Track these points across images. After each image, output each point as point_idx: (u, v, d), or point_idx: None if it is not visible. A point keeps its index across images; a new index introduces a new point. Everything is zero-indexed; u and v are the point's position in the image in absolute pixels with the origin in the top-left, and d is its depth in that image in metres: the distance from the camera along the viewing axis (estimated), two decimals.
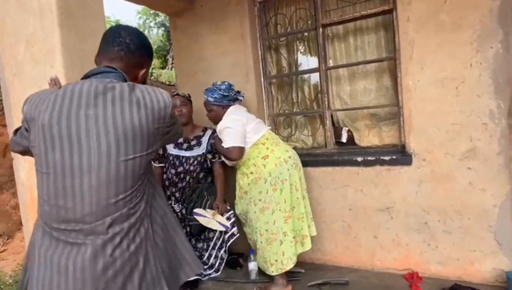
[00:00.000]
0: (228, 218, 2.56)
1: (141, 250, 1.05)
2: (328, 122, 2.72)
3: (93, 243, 0.97)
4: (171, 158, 2.63)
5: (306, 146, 2.95)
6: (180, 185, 2.64)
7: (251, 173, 2.27)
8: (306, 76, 2.95)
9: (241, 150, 2.24)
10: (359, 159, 2.48)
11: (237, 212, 2.49)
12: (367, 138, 2.73)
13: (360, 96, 2.72)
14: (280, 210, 2.22)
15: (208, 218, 2.48)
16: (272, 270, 2.23)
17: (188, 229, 2.59)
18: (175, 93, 2.66)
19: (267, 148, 2.28)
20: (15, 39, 1.74)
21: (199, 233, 2.61)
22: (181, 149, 2.67)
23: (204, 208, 2.61)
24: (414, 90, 2.25)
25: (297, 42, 2.93)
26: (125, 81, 1.09)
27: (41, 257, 1.01)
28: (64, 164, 0.97)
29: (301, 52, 2.92)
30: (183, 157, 2.65)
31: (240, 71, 2.85)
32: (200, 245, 2.65)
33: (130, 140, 1.00)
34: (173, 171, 2.63)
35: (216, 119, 2.44)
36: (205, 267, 2.59)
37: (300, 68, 2.93)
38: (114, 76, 1.08)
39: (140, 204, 1.06)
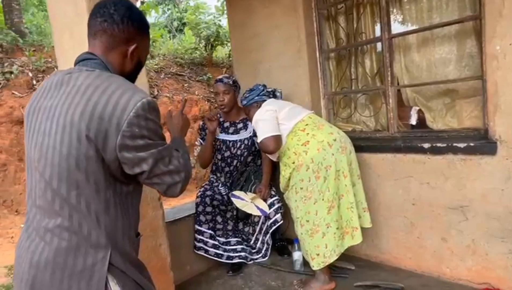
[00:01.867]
0: (272, 204, 2.44)
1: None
2: (391, 100, 2.32)
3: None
4: (217, 143, 2.60)
5: (368, 129, 2.59)
6: (227, 169, 2.61)
7: (293, 162, 2.08)
8: (367, 48, 2.55)
9: (276, 139, 2.07)
10: (426, 145, 2.05)
11: (286, 199, 2.35)
12: (443, 119, 2.25)
13: (435, 68, 2.23)
14: (323, 199, 2.00)
15: (246, 201, 2.39)
16: (313, 265, 2.05)
17: (234, 212, 2.56)
18: (218, 78, 2.59)
19: (307, 133, 2.06)
20: (61, 29, 1.86)
21: (246, 217, 2.56)
22: (227, 133, 2.61)
23: (249, 192, 2.54)
24: (503, 58, 1.71)
25: (357, 7, 2.53)
26: (106, 68, 0.99)
27: None
28: (29, 158, 0.97)
29: (361, 20, 2.52)
30: (230, 141, 2.59)
31: (291, 47, 2.61)
32: (247, 229, 2.61)
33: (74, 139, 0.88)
34: (219, 156, 2.61)
35: (251, 116, 2.31)
36: (252, 251, 2.55)
37: (361, 39, 2.54)
38: (93, 63, 0.98)
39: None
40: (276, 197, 2.45)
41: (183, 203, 3.07)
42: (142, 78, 1.85)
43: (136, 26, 1.03)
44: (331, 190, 2.00)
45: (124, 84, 0.93)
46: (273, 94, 2.39)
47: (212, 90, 5.42)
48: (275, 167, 2.55)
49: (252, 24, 2.87)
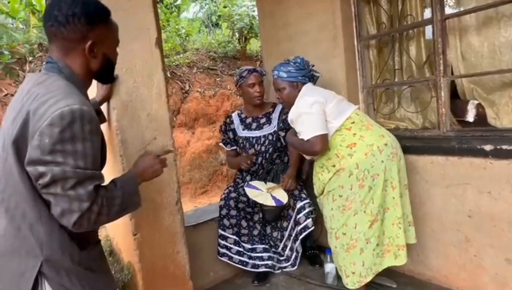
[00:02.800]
0: (302, 208, 2.21)
1: None
2: (443, 93, 1.98)
3: None
4: (240, 141, 2.42)
5: (413, 127, 2.26)
6: (253, 168, 2.42)
7: (333, 166, 1.82)
8: (414, 32, 2.20)
9: (324, 139, 1.78)
10: (488, 147, 1.71)
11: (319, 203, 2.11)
12: (509, 116, 1.88)
13: (499, 54, 1.86)
14: (365, 212, 1.75)
15: (261, 191, 2.19)
16: (348, 283, 1.80)
17: (261, 215, 2.37)
18: (252, 68, 2.39)
19: (354, 134, 1.79)
20: None
21: (274, 219, 2.36)
22: (250, 129, 2.42)
23: (270, 182, 2.33)
24: None
25: None
26: (61, 72, 0.96)
27: None
28: None
29: (407, 0, 2.18)
30: (253, 138, 2.39)
31: (326, 35, 2.34)
32: (275, 234, 2.41)
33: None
34: (244, 154, 2.42)
35: (290, 101, 2.00)
36: (280, 258, 2.35)
37: (407, 23, 2.20)
38: (49, 67, 0.97)
39: None
40: (308, 201, 2.22)
41: (207, 204, 2.94)
42: (157, 71, 1.72)
43: (85, 21, 0.96)
44: (376, 202, 1.73)
45: (55, 91, 0.88)
46: (314, 71, 2.04)
47: None
48: (301, 161, 2.32)
49: (283, 12, 2.63)
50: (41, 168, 0.85)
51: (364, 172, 1.74)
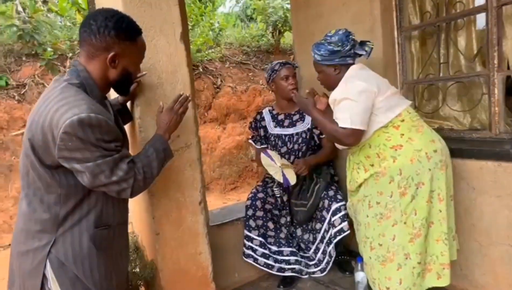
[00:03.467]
0: (338, 210, 2.06)
1: None
2: (497, 90, 1.75)
3: None
4: (272, 138, 2.32)
5: (460, 127, 2.04)
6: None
7: (371, 165, 1.67)
8: (463, 21, 1.97)
9: (361, 135, 1.62)
10: None
11: (348, 208, 1.98)
12: None
13: None
14: (405, 223, 1.59)
15: (274, 164, 2.11)
16: None
17: (289, 218, 2.27)
18: (284, 62, 2.28)
19: (402, 134, 1.61)
20: None
21: (305, 220, 2.24)
22: (282, 127, 2.31)
23: (313, 194, 2.20)
24: None
25: None
26: (79, 76, 1.09)
27: None
28: None
29: None
30: (285, 135, 2.29)
31: (362, 26, 2.16)
32: (306, 236, 2.30)
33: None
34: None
35: (328, 84, 1.80)
36: (310, 263, 2.24)
37: (455, 10, 1.98)
38: (71, 71, 1.09)
39: None
40: (343, 203, 2.08)
41: (236, 201, 2.89)
42: (182, 67, 1.66)
43: (113, 35, 1.09)
44: (420, 214, 1.57)
45: (65, 99, 1.01)
46: (358, 47, 1.75)
47: None
48: (330, 159, 2.20)
49: (316, 3, 2.48)
50: (76, 166, 1.02)
51: (408, 179, 1.57)
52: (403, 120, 1.65)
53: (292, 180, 2.08)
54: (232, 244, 2.22)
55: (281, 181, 2.08)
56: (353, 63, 1.75)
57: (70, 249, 1.08)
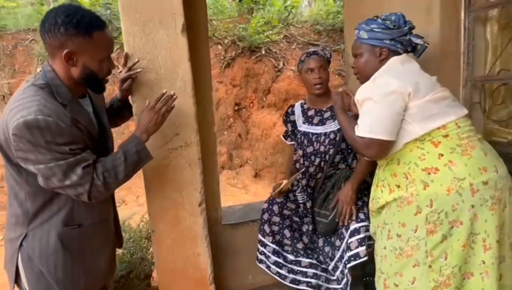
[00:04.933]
0: (356, 231, 1.78)
1: None
2: None
3: None
4: (298, 135, 2.09)
5: None
6: (310, 169, 2.08)
7: (397, 186, 1.35)
8: None
9: (385, 146, 1.30)
10: None
11: (370, 229, 1.68)
12: None
13: None
14: (430, 267, 1.27)
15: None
16: None
17: (310, 227, 2.05)
18: (312, 51, 1.99)
19: (441, 154, 1.25)
20: None
21: (326, 233, 2.01)
22: (311, 124, 2.05)
23: (335, 206, 1.94)
24: None
25: None
26: (46, 76, 1.10)
27: None
28: None
29: None
30: (313, 134, 2.03)
31: (417, 5, 1.72)
32: (327, 249, 2.06)
33: None
34: (300, 152, 2.09)
35: (365, 74, 1.44)
36: (331, 278, 2.01)
37: None
38: (40, 72, 1.12)
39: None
40: (365, 223, 1.77)
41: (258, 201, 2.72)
42: (183, 62, 1.55)
43: (63, 31, 1.04)
44: (451, 259, 1.24)
45: (18, 101, 1.03)
46: (411, 47, 1.43)
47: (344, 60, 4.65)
48: (371, 171, 1.84)
49: None
50: (30, 167, 1.04)
51: (440, 214, 1.23)
52: (446, 135, 1.26)
53: (278, 193, 1.96)
54: (247, 245, 2.13)
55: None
56: (400, 54, 1.40)
57: (37, 245, 1.13)
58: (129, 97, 1.56)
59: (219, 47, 4.59)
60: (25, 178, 1.10)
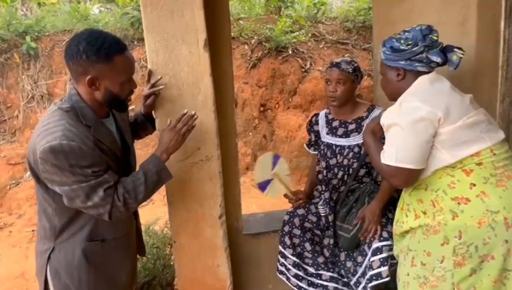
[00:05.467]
0: (378, 250, 1.73)
1: None
2: None
3: None
4: (322, 146, 2.04)
5: None
6: (333, 181, 2.04)
7: (423, 212, 1.29)
8: None
9: (414, 175, 1.24)
10: None
11: (394, 249, 1.63)
12: None
13: None
14: None
15: (270, 170, 1.94)
16: None
17: (331, 241, 2.02)
18: (335, 62, 1.93)
19: (473, 184, 1.18)
20: None
21: (347, 248, 1.97)
22: (335, 135, 2.00)
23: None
24: None
25: None
26: (71, 100, 1.15)
27: None
28: None
29: None
30: (336, 146, 1.98)
31: (451, 14, 1.62)
32: (349, 264, 2.01)
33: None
34: (323, 163, 2.05)
35: (388, 93, 1.44)
36: None
37: None
38: (67, 95, 1.19)
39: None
40: (388, 243, 1.71)
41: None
42: (205, 77, 1.56)
43: (85, 59, 1.09)
44: None
45: (45, 126, 1.09)
46: (436, 53, 1.30)
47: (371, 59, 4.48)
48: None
49: None
50: (55, 187, 1.10)
51: (470, 247, 1.16)
52: (480, 163, 1.19)
53: (272, 193, 1.92)
54: (268, 255, 2.13)
55: (258, 181, 1.92)
56: (427, 72, 1.31)
57: (63, 259, 1.19)
58: (153, 112, 1.59)
59: (246, 47, 4.58)
60: (52, 196, 1.16)
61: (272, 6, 5.05)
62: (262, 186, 1.97)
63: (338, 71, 1.88)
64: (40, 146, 1.05)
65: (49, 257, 1.20)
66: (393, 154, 1.23)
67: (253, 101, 4.30)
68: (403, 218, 1.41)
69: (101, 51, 1.10)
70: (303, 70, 4.49)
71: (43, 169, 1.08)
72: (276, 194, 1.98)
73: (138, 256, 1.53)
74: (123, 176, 1.22)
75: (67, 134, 1.06)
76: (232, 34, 4.75)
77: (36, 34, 4.82)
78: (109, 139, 1.22)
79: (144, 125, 1.59)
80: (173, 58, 1.51)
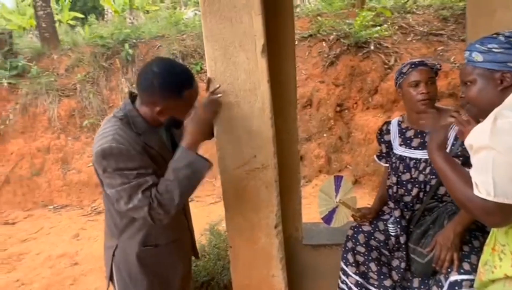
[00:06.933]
0: (457, 285, 1.47)
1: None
2: None
3: None
4: (393, 159, 1.82)
5: None
6: (406, 199, 1.81)
7: None
8: None
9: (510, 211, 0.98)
10: None
11: (475, 285, 1.36)
12: None
13: None
14: None
15: (333, 197, 1.81)
16: None
17: (403, 264, 1.79)
18: (418, 61, 1.69)
19: None
20: None
21: (420, 275, 1.73)
22: (409, 147, 1.76)
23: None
24: None
25: None
26: (125, 108, 1.24)
27: None
28: None
29: None
30: (411, 159, 1.74)
31: None
32: None
33: None
34: (394, 178, 1.82)
35: (479, 106, 1.14)
36: None
37: None
38: (124, 104, 1.27)
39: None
40: (469, 277, 1.44)
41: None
42: (262, 83, 1.51)
43: (158, 94, 1.18)
44: None
45: (100, 132, 1.20)
46: None
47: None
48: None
49: None
50: (107, 190, 1.20)
51: None
52: None
53: (338, 223, 1.76)
54: (328, 269, 2.00)
55: (323, 215, 1.75)
56: None
57: (122, 259, 1.30)
58: None
59: (323, 44, 4.39)
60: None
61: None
62: (328, 219, 1.87)
63: (426, 69, 1.65)
64: (94, 149, 1.15)
65: (113, 254, 1.32)
66: (490, 185, 0.96)
67: (329, 101, 4.11)
68: (496, 262, 1.13)
69: (173, 87, 1.18)
70: (386, 66, 4.11)
71: (97, 172, 1.19)
72: (342, 222, 1.86)
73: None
74: None
75: (117, 138, 1.14)
76: (310, 31, 4.63)
77: (133, 41, 5.43)
78: (159, 145, 1.28)
79: None
80: (231, 65, 1.51)
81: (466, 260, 1.47)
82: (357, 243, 1.83)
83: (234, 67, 1.51)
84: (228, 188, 1.60)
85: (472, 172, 1.03)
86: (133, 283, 1.30)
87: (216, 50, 1.50)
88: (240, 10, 1.46)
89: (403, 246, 1.77)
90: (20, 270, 3.16)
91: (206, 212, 3.35)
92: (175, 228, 1.36)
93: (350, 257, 1.86)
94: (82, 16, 10.12)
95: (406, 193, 1.77)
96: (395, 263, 1.80)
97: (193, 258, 1.64)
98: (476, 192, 1.00)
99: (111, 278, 1.37)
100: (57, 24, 7.24)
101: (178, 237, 1.39)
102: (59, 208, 4.53)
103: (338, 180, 1.84)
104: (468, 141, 1.07)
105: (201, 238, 2.25)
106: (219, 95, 1.50)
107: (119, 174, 1.12)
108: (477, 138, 1.03)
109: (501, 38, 1.09)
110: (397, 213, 1.81)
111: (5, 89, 5.10)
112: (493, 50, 1.09)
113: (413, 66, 1.68)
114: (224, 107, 1.55)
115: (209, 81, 1.54)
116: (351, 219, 1.89)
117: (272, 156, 1.58)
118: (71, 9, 9.98)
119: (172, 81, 1.18)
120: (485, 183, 0.98)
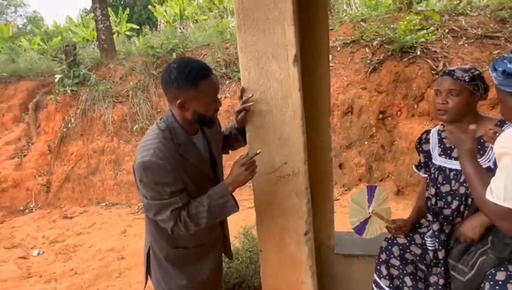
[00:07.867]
0: None
1: None
2: None
3: None
4: (432, 170, 1.75)
5: None
6: (445, 212, 1.72)
7: None
8: None
9: None
10: None
11: None
12: None
13: None
14: None
15: (366, 208, 1.76)
16: None
17: (441, 281, 1.71)
18: (447, 70, 1.61)
19: None
20: None
21: None
22: (449, 157, 1.68)
23: (474, 265, 1.56)
24: None
25: None
26: (167, 120, 1.32)
27: None
28: None
29: None
30: (451, 170, 1.66)
31: None
32: None
33: None
34: (433, 190, 1.74)
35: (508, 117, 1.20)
36: None
37: None
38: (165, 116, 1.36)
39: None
40: None
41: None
42: (293, 92, 1.54)
43: (176, 86, 1.26)
44: None
45: (144, 142, 1.29)
46: None
47: None
48: None
49: None
50: (141, 197, 1.31)
51: None
52: None
53: (370, 234, 1.72)
54: (360, 280, 1.96)
55: (354, 225, 1.73)
56: None
57: (155, 258, 1.41)
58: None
59: (366, 50, 4.29)
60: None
61: (400, 3, 4.57)
62: (359, 230, 1.83)
63: (450, 80, 1.58)
64: (136, 160, 1.24)
65: (148, 252, 1.43)
66: (501, 191, 0.99)
67: (371, 107, 4.00)
68: None
69: (189, 78, 1.24)
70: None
71: (136, 179, 1.28)
72: (375, 233, 1.82)
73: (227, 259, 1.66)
74: (211, 187, 1.33)
75: (157, 152, 1.22)
76: (352, 37, 4.55)
77: (181, 50, 5.73)
78: (196, 156, 1.36)
79: (237, 137, 1.70)
80: (263, 75, 1.56)
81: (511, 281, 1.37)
82: (391, 256, 1.78)
83: (266, 76, 1.56)
84: (259, 193, 1.65)
85: (492, 177, 1.06)
86: (164, 281, 1.40)
87: (249, 60, 1.57)
88: (273, 22, 1.51)
89: (442, 261, 1.69)
90: (74, 260, 3.48)
91: (243, 216, 3.41)
92: (207, 234, 1.44)
93: (383, 269, 1.81)
94: (137, 27, 10.87)
95: (445, 206, 1.69)
96: (433, 279, 1.72)
97: (226, 259, 1.71)
98: (488, 196, 1.04)
99: (148, 273, 1.48)
100: (115, 35, 7.85)
101: (206, 242, 1.46)
102: (110, 205, 4.91)
103: (371, 190, 1.81)
104: (494, 149, 1.10)
105: (235, 241, 2.32)
106: (250, 103, 1.56)
107: (153, 188, 1.22)
108: (499, 146, 1.06)
109: (506, 62, 1.09)
110: (435, 226, 1.74)
111: (69, 96, 5.65)
112: (497, 77, 1.11)
113: (442, 74, 1.62)
114: (256, 115, 1.60)
115: (242, 91, 1.61)
116: (385, 230, 1.83)
117: (302, 163, 1.60)
118: (128, 21, 10.76)
119: (187, 72, 1.24)
120: (498, 188, 1.01)
